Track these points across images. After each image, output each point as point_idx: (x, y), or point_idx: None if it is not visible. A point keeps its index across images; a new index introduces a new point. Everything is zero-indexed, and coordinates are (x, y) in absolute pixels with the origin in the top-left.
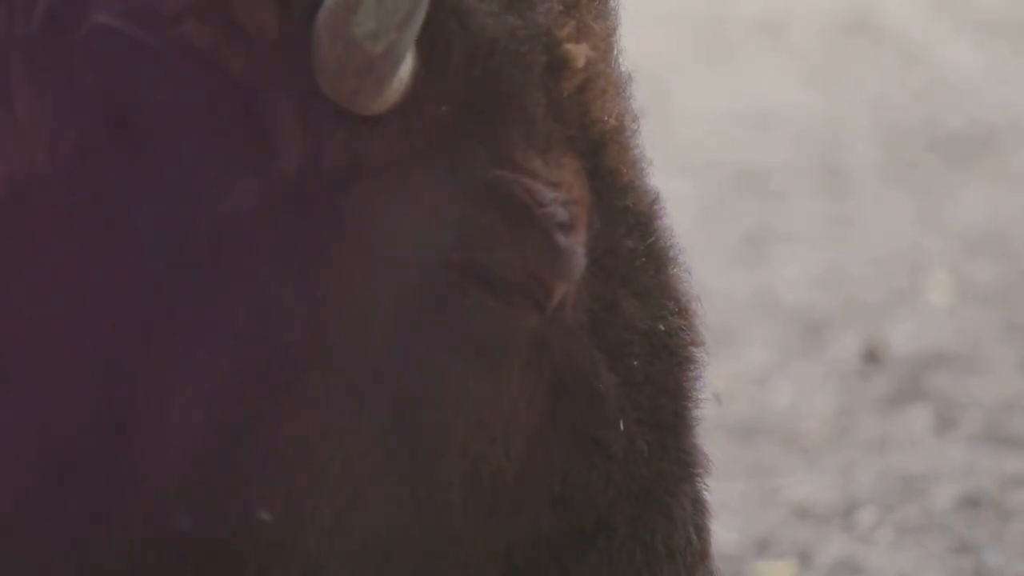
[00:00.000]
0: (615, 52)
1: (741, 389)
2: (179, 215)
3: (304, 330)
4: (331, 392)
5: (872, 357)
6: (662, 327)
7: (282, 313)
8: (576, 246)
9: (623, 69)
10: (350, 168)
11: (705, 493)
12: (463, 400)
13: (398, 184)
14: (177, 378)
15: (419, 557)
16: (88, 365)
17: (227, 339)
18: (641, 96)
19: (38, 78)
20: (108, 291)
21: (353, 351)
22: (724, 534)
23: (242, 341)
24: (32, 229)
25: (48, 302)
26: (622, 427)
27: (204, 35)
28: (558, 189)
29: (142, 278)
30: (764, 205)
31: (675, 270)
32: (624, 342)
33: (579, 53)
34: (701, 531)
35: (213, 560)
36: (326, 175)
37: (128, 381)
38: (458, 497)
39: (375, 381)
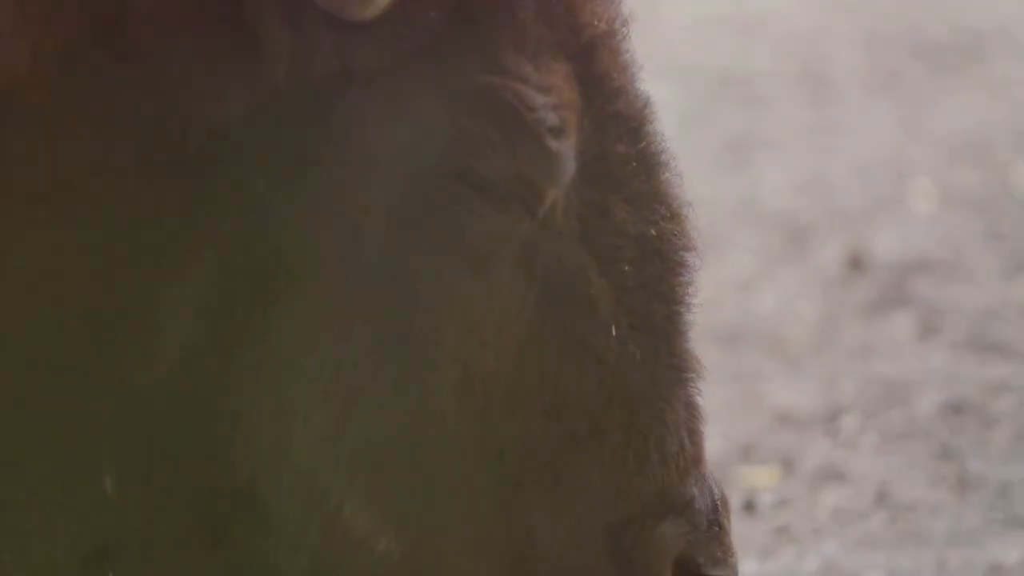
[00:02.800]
0: None
1: (725, 296)
2: (168, 122)
3: (294, 237)
4: (321, 299)
5: (856, 264)
6: (653, 232)
7: (272, 220)
8: (566, 150)
9: None
10: (340, 75)
11: (698, 398)
12: (454, 305)
13: (388, 91)
14: (166, 285)
15: (411, 464)
16: (76, 272)
17: (216, 246)
18: (626, 2)
19: None
20: (95, 199)
21: (344, 258)
22: (708, 440)
23: (232, 248)
24: (17, 136)
25: (34, 210)
26: (614, 332)
27: None
28: (548, 94)
29: (131, 185)
30: (747, 112)
31: (667, 175)
32: (615, 247)
33: None
34: (694, 436)
35: (204, 468)
36: (316, 82)
37: (117, 288)
38: (450, 403)
39: (366, 287)
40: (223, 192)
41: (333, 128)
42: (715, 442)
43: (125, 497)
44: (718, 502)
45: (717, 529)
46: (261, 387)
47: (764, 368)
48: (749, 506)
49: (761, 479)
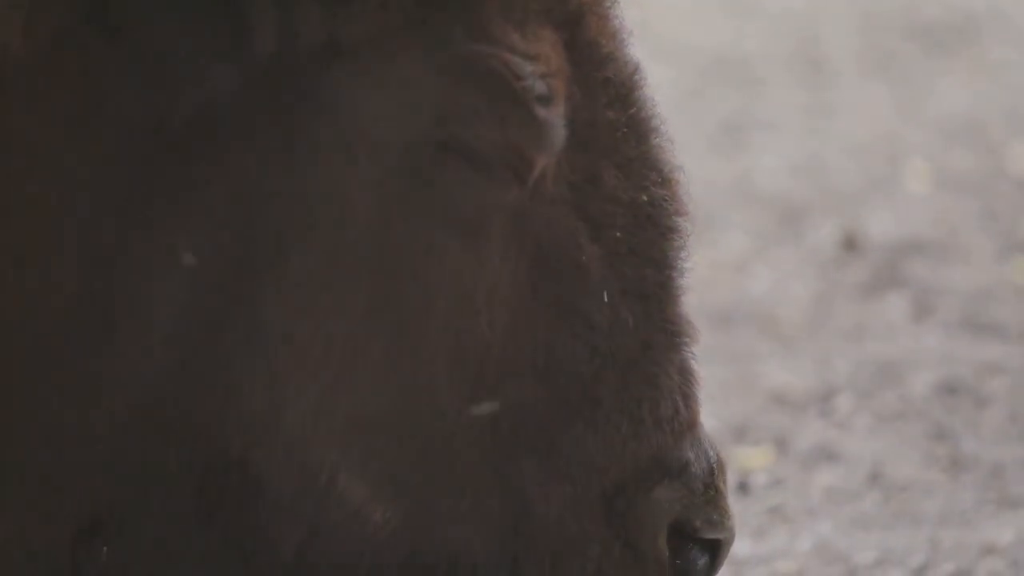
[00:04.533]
0: None
1: (719, 276)
2: (156, 97)
3: (284, 211)
4: (312, 272)
5: (850, 244)
6: (645, 197)
7: (261, 194)
8: (555, 118)
9: None
10: (327, 48)
11: (693, 362)
12: (445, 274)
13: (376, 62)
14: (158, 261)
15: (405, 433)
16: (67, 250)
17: (207, 222)
18: None
19: None
20: (85, 175)
21: (334, 230)
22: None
23: (222, 224)
24: (7, 113)
25: (24, 187)
26: (606, 298)
27: None
28: (536, 62)
29: (120, 161)
30: (742, 93)
31: (657, 140)
32: (607, 213)
33: None
34: (689, 400)
35: (197, 441)
36: (303, 56)
37: (108, 265)
38: (442, 372)
39: (356, 259)
40: (212, 166)
41: (321, 101)
42: (709, 422)
43: (119, 471)
44: (714, 465)
45: (713, 492)
46: (254, 360)
47: (758, 348)
48: (743, 486)
49: (755, 459)
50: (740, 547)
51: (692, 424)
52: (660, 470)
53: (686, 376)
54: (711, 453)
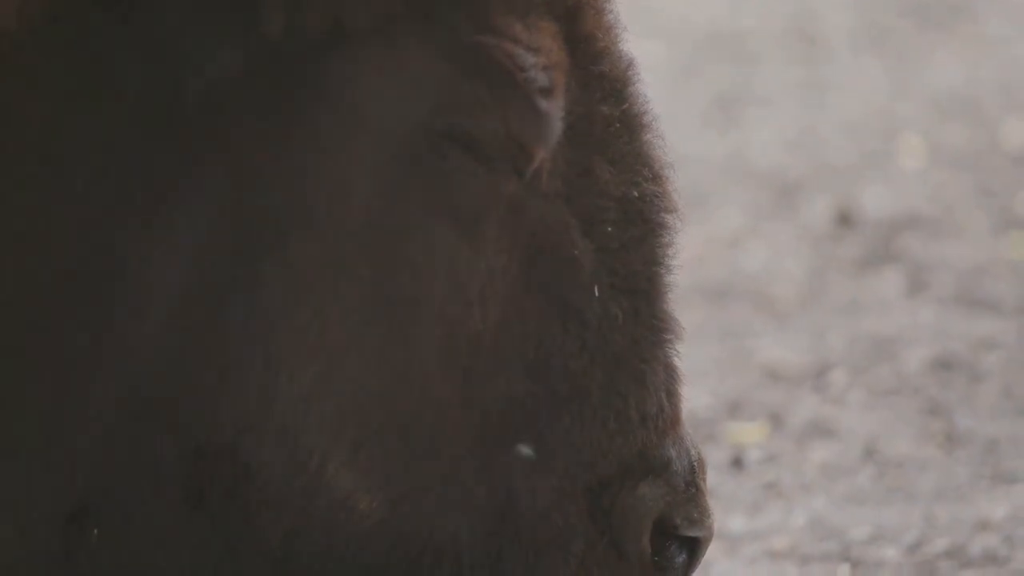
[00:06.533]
0: None
1: (714, 252)
2: (161, 77)
3: (284, 193)
4: (309, 256)
5: (844, 220)
6: (636, 193)
7: (262, 176)
8: (555, 111)
9: None
10: (332, 34)
11: (677, 360)
12: (440, 264)
13: (380, 50)
14: (156, 241)
15: (394, 423)
16: (66, 227)
17: (206, 204)
18: None
19: None
20: (87, 153)
21: (332, 216)
22: (696, 396)
23: (222, 205)
24: (6, 91)
25: (25, 165)
26: (596, 293)
27: None
28: (538, 54)
29: (122, 139)
30: (736, 69)
31: (649, 136)
32: (598, 208)
33: None
34: (673, 397)
35: (189, 424)
36: (309, 41)
37: (107, 244)
38: (434, 361)
39: (353, 245)
40: (214, 147)
41: (325, 86)
42: (703, 398)
43: (111, 454)
44: (695, 463)
45: (694, 490)
46: (248, 344)
47: (752, 324)
48: (737, 462)
49: (749, 435)
50: (734, 523)
51: (675, 422)
52: (644, 467)
53: (671, 373)
54: (692, 451)
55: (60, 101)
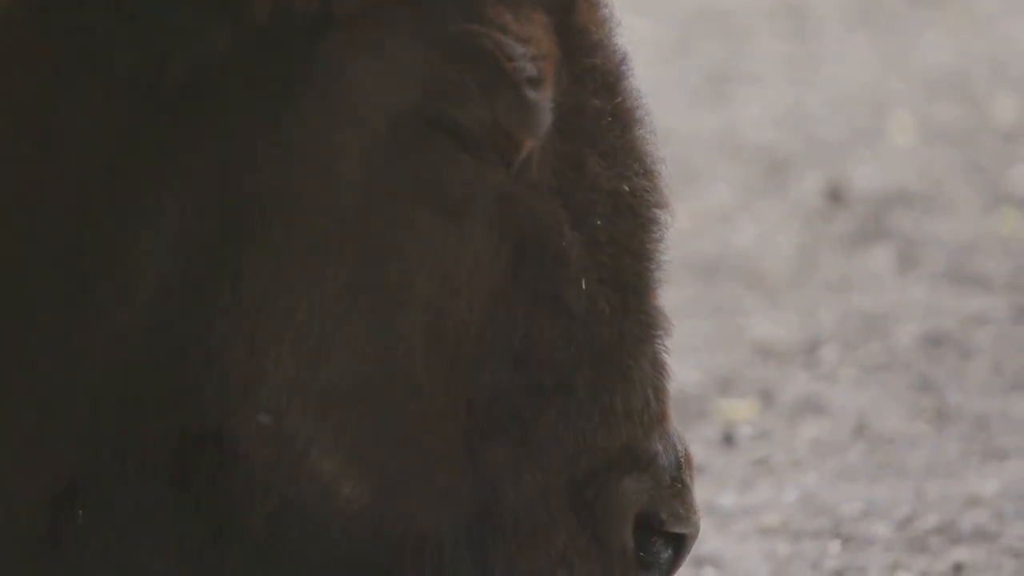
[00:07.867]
0: None
1: (704, 228)
2: (148, 58)
3: (270, 178)
4: (295, 241)
5: (835, 196)
6: (626, 187)
7: (248, 161)
8: (544, 101)
9: None
10: (321, 17)
11: (664, 355)
12: (427, 252)
13: (369, 35)
14: (143, 222)
15: (379, 410)
16: (52, 206)
17: (193, 184)
18: None
19: None
20: (72, 134)
21: (318, 201)
22: (687, 373)
23: (208, 187)
24: None
25: (10, 145)
26: (584, 286)
27: None
28: (527, 44)
29: (108, 120)
30: (726, 45)
31: (641, 131)
32: (588, 201)
33: None
34: (659, 393)
35: (175, 407)
36: (297, 24)
37: (92, 225)
38: (420, 350)
39: (339, 231)
40: (201, 130)
41: (312, 71)
42: (694, 375)
43: (97, 436)
44: (682, 459)
45: (680, 486)
46: (234, 328)
47: (743, 301)
48: (728, 439)
49: (740, 412)
50: (725, 499)
51: (662, 417)
52: (629, 461)
53: (658, 369)
54: (679, 447)
55: (48, 80)
